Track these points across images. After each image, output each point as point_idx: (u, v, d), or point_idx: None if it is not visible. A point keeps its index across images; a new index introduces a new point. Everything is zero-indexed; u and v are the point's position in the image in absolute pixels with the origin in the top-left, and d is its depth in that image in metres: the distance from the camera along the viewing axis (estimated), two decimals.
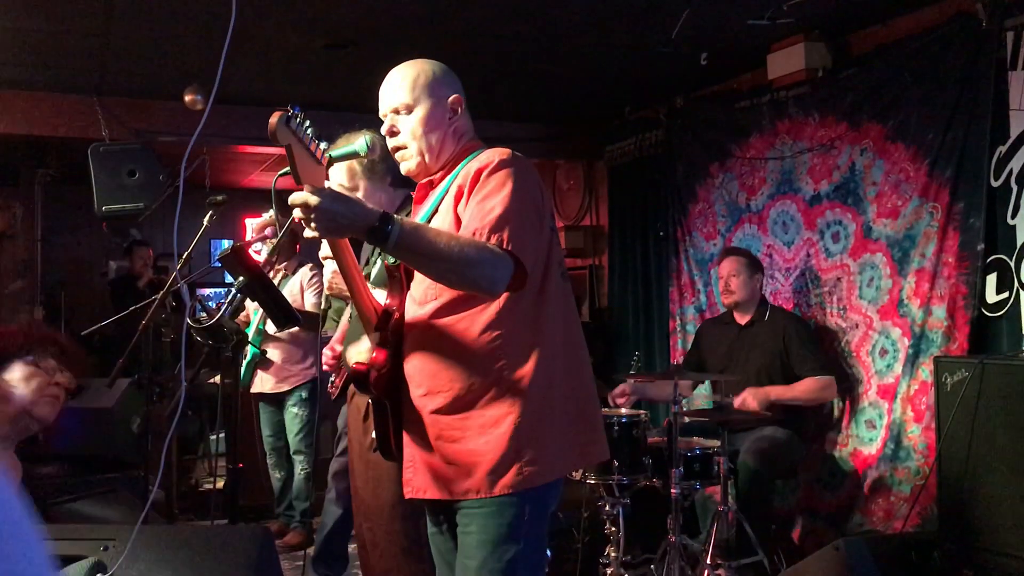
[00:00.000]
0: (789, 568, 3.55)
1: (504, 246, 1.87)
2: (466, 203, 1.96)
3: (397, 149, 2.15)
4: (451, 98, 2.13)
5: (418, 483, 2.09)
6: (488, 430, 1.96)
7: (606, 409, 4.06)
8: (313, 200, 1.76)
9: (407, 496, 2.13)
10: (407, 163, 2.15)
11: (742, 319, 4.54)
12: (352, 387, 3.08)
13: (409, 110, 2.11)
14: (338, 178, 2.92)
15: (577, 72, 5.31)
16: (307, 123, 1.79)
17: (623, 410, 4.09)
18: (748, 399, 4.12)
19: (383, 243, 1.81)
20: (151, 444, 3.92)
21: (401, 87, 2.12)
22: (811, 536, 4.54)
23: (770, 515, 4.24)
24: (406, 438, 2.11)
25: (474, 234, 1.89)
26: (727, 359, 4.52)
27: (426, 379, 2.02)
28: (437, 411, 2.01)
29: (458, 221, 1.98)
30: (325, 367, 4.47)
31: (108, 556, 1.85)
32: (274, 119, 1.72)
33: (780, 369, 4.32)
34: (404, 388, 2.07)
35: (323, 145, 1.88)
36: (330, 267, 2.93)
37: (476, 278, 1.87)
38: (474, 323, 1.97)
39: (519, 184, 1.95)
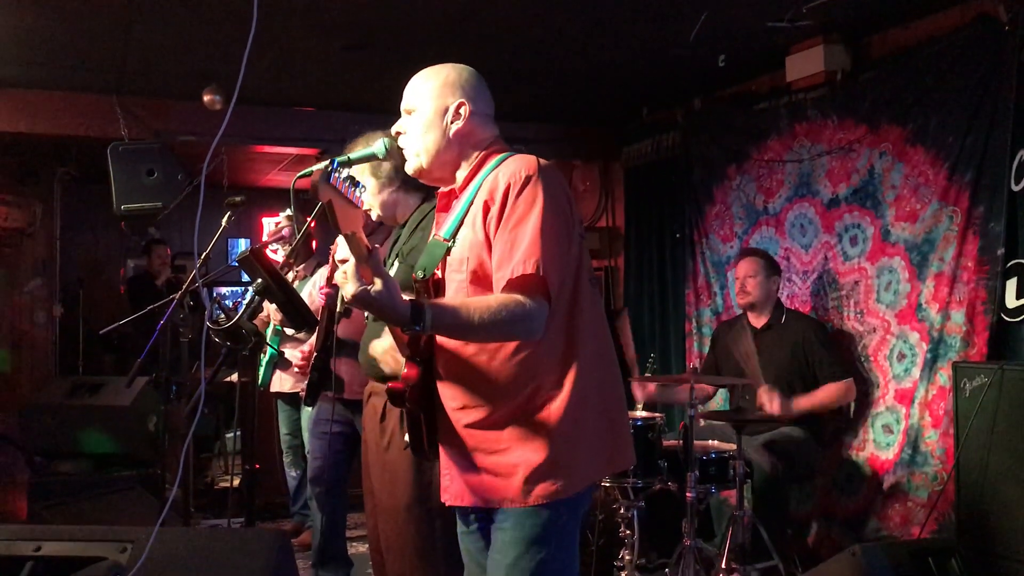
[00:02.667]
0: (804, 573, 3.54)
1: (537, 272, 1.91)
2: (496, 223, 1.97)
3: (403, 149, 2.20)
4: (456, 103, 2.13)
5: (455, 490, 2.12)
6: (523, 444, 1.98)
7: None
8: (372, 292, 1.82)
9: (446, 503, 2.15)
10: (408, 164, 2.20)
11: (757, 322, 4.52)
12: (367, 388, 3.09)
13: (414, 112, 2.16)
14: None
15: (594, 73, 5.30)
16: (344, 172, 1.84)
17: (639, 413, 4.08)
18: (773, 402, 4.09)
19: (418, 333, 1.92)
20: (168, 443, 3.95)
21: (411, 89, 2.18)
22: (827, 541, 4.52)
23: (786, 520, 4.22)
24: (441, 447, 2.13)
25: (511, 273, 1.92)
26: (743, 363, 4.50)
27: (461, 395, 2.04)
28: (472, 425, 2.03)
29: (488, 240, 1.99)
30: (295, 368, 4.48)
31: (127, 558, 1.86)
32: (316, 176, 1.76)
33: (799, 373, 4.30)
34: (437, 399, 2.09)
35: (359, 191, 1.91)
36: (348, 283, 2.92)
37: (515, 336, 1.96)
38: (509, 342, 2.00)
39: (547, 203, 1.96)
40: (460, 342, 2.03)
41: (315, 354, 3.48)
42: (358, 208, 1.90)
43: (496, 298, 1.93)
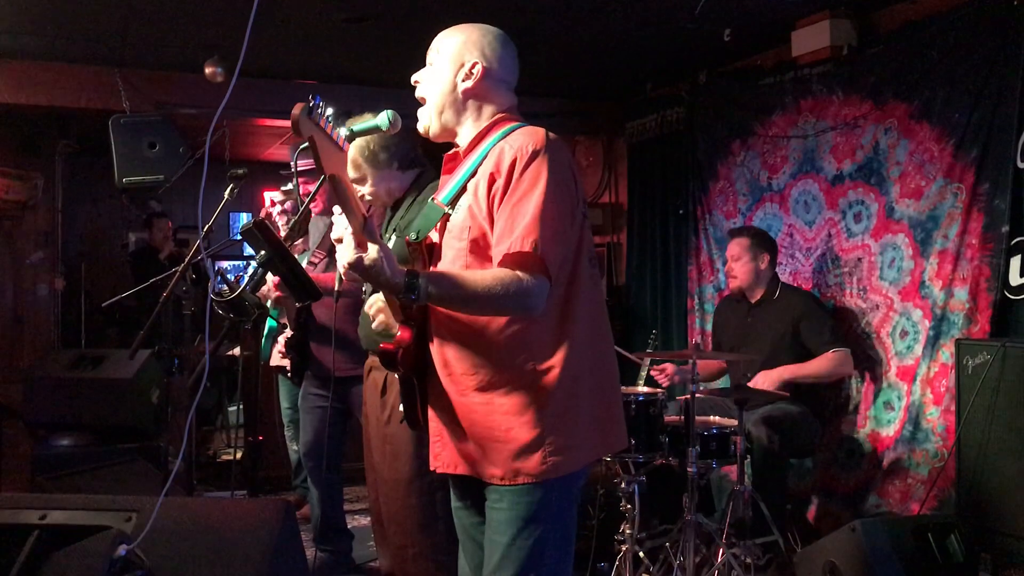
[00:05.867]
0: (804, 548, 3.56)
1: (534, 251, 1.90)
2: (501, 196, 1.95)
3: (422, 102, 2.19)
4: (471, 62, 2.10)
5: (446, 458, 2.12)
6: (513, 417, 1.97)
7: (626, 388, 4.04)
8: (367, 261, 1.85)
9: (436, 470, 2.15)
10: (420, 121, 2.18)
11: (753, 298, 4.53)
12: (368, 362, 3.10)
13: (431, 66, 2.15)
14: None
15: (599, 48, 5.26)
16: (328, 110, 1.81)
17: (641, 388, 4.08)
18: (760, 382, 4.11)
19: (413, 303, 1.91)
20: (170, 415, 3.96)
21: (435, 43, 2.17)
22: (827, 517, 4.54)
23: (785, 495, 4.23)
24: (432, 413, 2.13)
25: (508, 248, 1.91)
26: (739, 338, 4.51)
27: (453, 361, 2.03)
28: (463, 392, 2.02)
29: (491, 212, 1.97)
30: (279, 353, 4.52)
31: (132, 527, 1.87)
32: (296, 111, 1.73)
33: (790, 347, 4.29)
34: (430, 365, 2.08)
35: (342, 131, 1.90)
36: (342, 251, 2.92)
37: (512, 311, 1.94)
38: None
39: (552, 180, 1.94)
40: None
41: (291, 334, 3.50)
42: (342, 151, 1.88)
43: (493, 272, 1.92)
